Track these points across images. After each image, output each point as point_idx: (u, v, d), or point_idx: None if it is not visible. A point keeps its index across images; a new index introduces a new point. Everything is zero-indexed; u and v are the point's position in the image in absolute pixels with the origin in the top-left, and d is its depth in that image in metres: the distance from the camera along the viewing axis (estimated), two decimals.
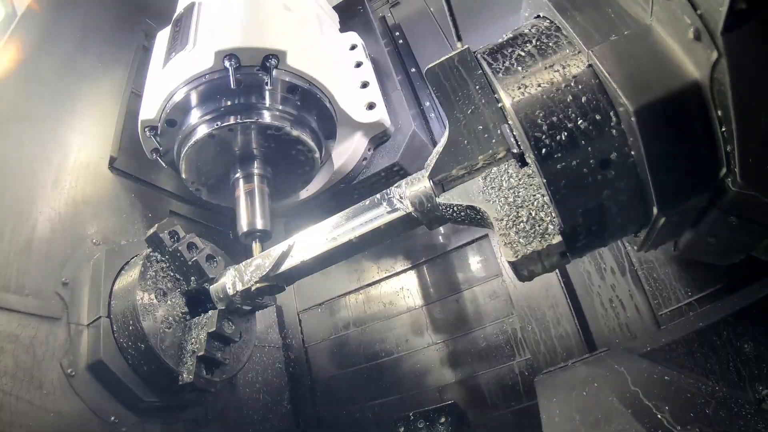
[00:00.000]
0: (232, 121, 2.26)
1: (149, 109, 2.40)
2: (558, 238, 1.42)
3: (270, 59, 2.24)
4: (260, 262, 2.08)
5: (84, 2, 2.92)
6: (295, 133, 2.36)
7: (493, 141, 1.56)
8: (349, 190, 2.90)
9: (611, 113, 1.30)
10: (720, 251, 1.52)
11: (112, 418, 1.99)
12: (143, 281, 2.12)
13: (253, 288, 2.06)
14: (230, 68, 2.18)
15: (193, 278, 2.21)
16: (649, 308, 2.33)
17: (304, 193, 2.87)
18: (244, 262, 2.20)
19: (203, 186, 2.58)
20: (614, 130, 1.31)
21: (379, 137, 2.80)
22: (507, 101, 1.41)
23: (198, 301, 2.25)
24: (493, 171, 1.58)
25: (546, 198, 1.45)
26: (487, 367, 2.78)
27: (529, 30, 1.53)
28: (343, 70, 2.87)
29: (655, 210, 1.37)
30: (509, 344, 2.75)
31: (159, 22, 3.45)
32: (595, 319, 2.46)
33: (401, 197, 1.79)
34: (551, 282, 2.60)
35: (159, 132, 2.41)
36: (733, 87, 1.07)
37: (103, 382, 2.01)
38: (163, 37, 2.74)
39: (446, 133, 1.64)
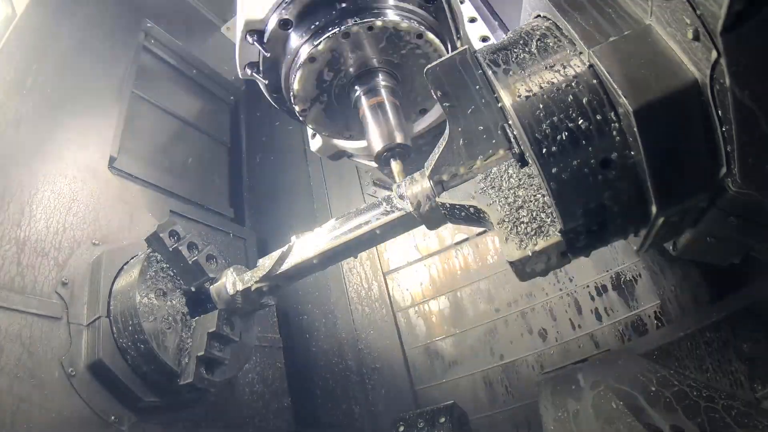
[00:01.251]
0: (367, 18, 1.95)
1: (256, 6, 2.04)
2: (558, 238, 1.42)
3: None
4: (261, 262, 2.08)
5: (84, 2, 2.92)
6: (438, 45, 2.07)
7: (493, 141, 1.56)
8: None
9: (611, 113, 1.30)
10: (719, 251, 1.51)
11: (112, 417, 2.00)
12: (143, 281, 2.12)
13: (253, 288, 2.05)
14: None
15: (193, 278, 2.21)
16: (649, 309, 2.33)
17: (420, 125, 2.54)
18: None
19: (315, 103, 2.21)
20: (614, 130, 1.31)
21: None
22: (507, 101, 1.41)
23: (198, 301, 2.25)
24: (493, 171, 1.58)
25: (546, 198, 1.45)
26: None
27: (530, 30, 1.53)
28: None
29: (654, 210, 1.37)
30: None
31: (159, 22, 3.46)
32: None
33: (401, 197, 1.78)
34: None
35: (267, 37, 2.06)
36: (733, 87, 1.07)
37: (102, 381, 2.02)
38: None
39: (446, 133, 1.64)
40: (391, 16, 1.99)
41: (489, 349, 2.86)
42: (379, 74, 2.11)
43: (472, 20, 2.61)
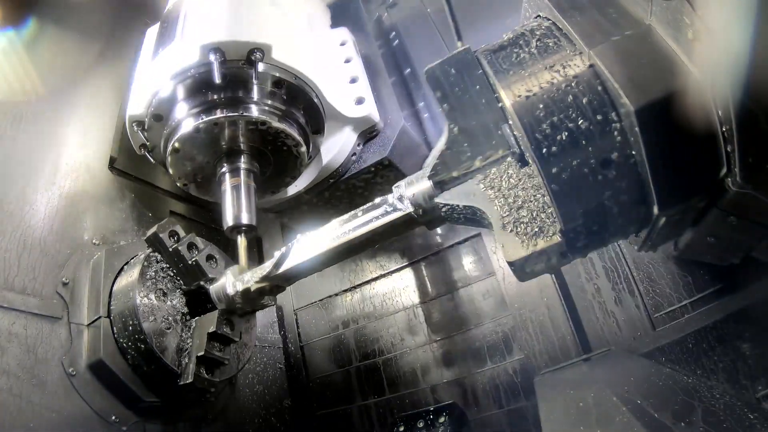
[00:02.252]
0: (218, 115, 2.23)
1: (137, 105, 2.37)
2: (558, 239, 1.42)
3: (255, 53, 2.23)
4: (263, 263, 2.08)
5: (84, 2, 2.91)
6: (281, 126, 2.33)
7: (493, 141, 1.56)
8: (339, 186, 2.87)
9: (612, 113, 1.30)
10: (720, 251, 1.52)
11: (113, 417, 2.00)
12: (143, 281, 2.13)
13: (252, 288, 2.06)
14: (215, 62, 2.16)
15: (193, 279, 2.21)
16: (648, 309, 2.33)
17: (293, 189, 2.84)
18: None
19: (191, 182, 2.54)
20: (615, 130, 1.31)
21: (368, 132, 2.77)
22: (507, 101, 1.41)
23: (198, 302, 2.25)
24: (493, 171, 1.58)
25: (546, 198, 1.45)
26: (483, 366, 2.78)
27: (530, 30, 1.53)
28: (332, 66, 2.85)
29: (655, 210, 1.37)
30: (503, 344, 2.76)
31: (158, 22, 3.46)
32: (590, 320, 2.46)
33: (401, 197, 1.78)
34: (546, 282, 2.60)
35: (146, 127, 2.38)
36: (733, 87, 1.08)
37: (103, 381, 2.02)
38: (152, 33, 2.73)
39: (446, 133, 1.63)
40: (237, 109, 2.25)
41: (490, 348, 2.86)
42: (240, 156, 2.39)
43: (348, 60, 2.92)
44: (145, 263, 2.19)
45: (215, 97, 2.25)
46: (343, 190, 2.89)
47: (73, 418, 1.89)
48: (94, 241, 2.34)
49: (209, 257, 2.23)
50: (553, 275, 2.57)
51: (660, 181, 1.29)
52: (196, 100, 2.26)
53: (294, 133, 2.38)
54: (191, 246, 2.24)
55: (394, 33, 3.82)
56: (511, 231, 1.48)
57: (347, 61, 2.92)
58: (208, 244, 2.30)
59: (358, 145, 2.77)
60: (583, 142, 1.33)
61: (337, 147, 2.71)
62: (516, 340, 2.72)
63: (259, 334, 2.83)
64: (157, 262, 2.24)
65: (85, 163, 2.52)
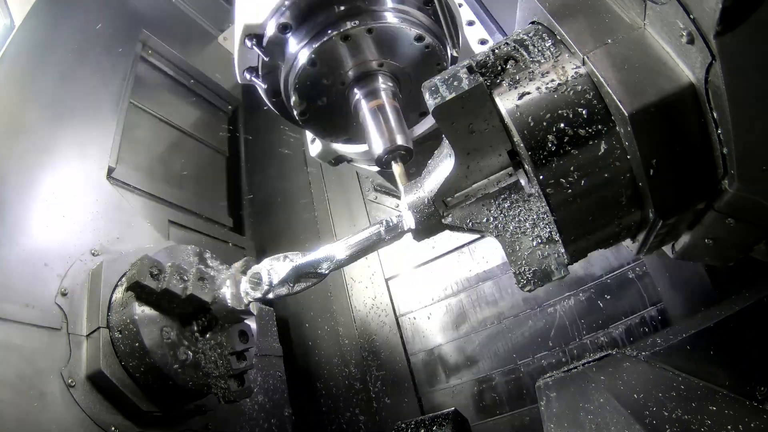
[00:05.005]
0: (370, 23, 1.94)
1: (254, 11, 2.02)
2: (558, 245, 1.43)
3: None
4: (258, 267, 2.06)
5: (82, 13, 2.93)
6: (436, 46, 2.06)
7: (495, 152, 1.55)
8: None
9: (607, 118, 1.31)
10: (718, 253, 1.52)
11: (113, 428, 1.99)
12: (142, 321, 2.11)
13: (261, 299, 2.03)
14: None
15: (191, 306, 2.17)
16: (650, 311, 2.33)
17: (420, 128, 2.51)
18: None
19: (312, 110, 2.20)
20: (610, 135, 1.31)
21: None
22: (503, 108, 1.42)
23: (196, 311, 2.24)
24: (492, 179, 1.58)
25: (545, 205, 1.45)
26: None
27: (524, 36, 1.54)
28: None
29: (652, 214, 1.37)
30: None
31: (156, 32, 3.48)
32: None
33: (404, 214, 1.78)
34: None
35: (266, 41, 2.04)
36: (729, 89, 1.08)
37: (103, 392, 2.01)
38: None
39: (451, 152, 1.61)
40: (390, 18, 1.98)
41: (492, 354, 2.85)
42: (379, 77, 2.10)
43: (470, 23, 2.62)
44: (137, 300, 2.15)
45: (363, 2, 1.98)
46: None
47: (73, 429, 1.88)
48: (92, 251, 2.34)
49: (201, 279, 2.14)
50: None
51: (656, 185, 1.29)
52: (339, 5, 1.96)
53: (444, 54, 2.12)
54: (179, 274, 2.12)
55: None
56: (513, 239, 1.50)
57: (459, 5, 2.58)
58: (195, 262, 2.27)
59: None
60: (579, 147, 1.33)
61: None
62: None
63: (259, 344, 2.83)
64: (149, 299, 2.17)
65: (83, 173, 2.52)
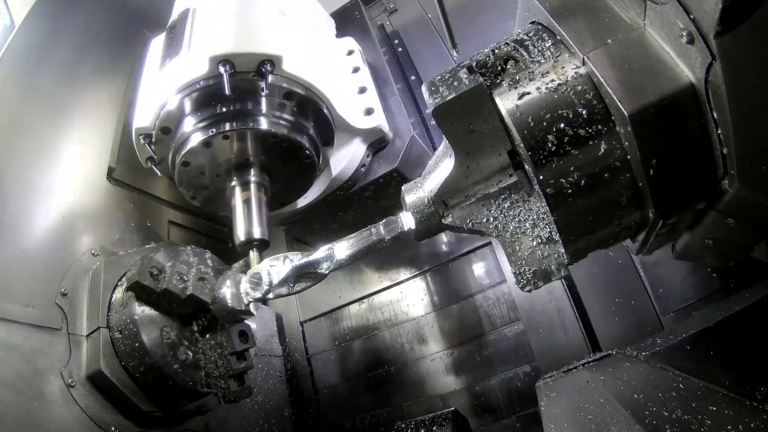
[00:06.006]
0: (227, 127, 2.21)
1: (143, 117, 2.35)
2: (558, 245, 1.43)
3: (265, 64, 2.20)
4: (259, 267, 2.06)
5: (82, 12, 2.93)
6: (292, 139, 2.31)
7: (494, 152, 1.55)
8: (348, 198, 2.85)
9: (607, 118, 1.31)
10: (718, 253, 1.52)
11: (113, 428, 1.99)
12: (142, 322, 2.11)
13: (263, 297, 2.04)
14: (225, 74, 2.12)
15: (191, 306, 2.18)
16: (650, 311, 2.33)
17: (302, 201, 2.81)
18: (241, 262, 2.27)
19: (199, 195, 2.52)
20: (611, 135, 1.31)
21: (377, 143, 2.75)
22: (503, 108, 1.42)
23: (196, 310, 2.24)
24: (493, 181, 1.58)
25: (545, 205, 1.45)
26: (493, 374, 2.77)
27: (525, 36, 1.54)
28: (340, 76, 2.83)
29: (652, 214, 1.37)
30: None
31: (157, 32, 3.47)
32: (599, 322, 2.46)
33: (407, 213, 1.78)
34: (555, 285, 2.59)
35: (154, 140, 2.35)
36: (729, 89, 1.08)
37: (103, 392, 2.01)
38: (157, 44, 2.70)
39: (451, 153, 1.62)
40: (245, 122, 2.24)
41: (487, 353, 2.85)
42: (251, 169, 2.38)
43: (356, 70, 2.90)
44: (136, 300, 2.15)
45: (224, 109, 2.23)
46: (352, 202, 2.87)
47: (73, 429, 1.88)
48: (92, 251, 2.33)
49: (201, 279, 2.17)
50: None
51: (656, 185, 1.29)
52: (204, 113, 2.24)
53: (305, 144, 2.36)
54: (179, 274, 2.14)
55: (396, 40, 3.80)
56: (513, 240, 1.50)
57: (355, 70, 2.90)
58: (194, 262, 2.27)
59: (368, 156, 2.75)
60: (579, 147, 1.34)
61: (346, 159, 2.69)
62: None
63: (260, 344, 2.82)
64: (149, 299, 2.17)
65: (83, 173, 2.52)
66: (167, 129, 2.31)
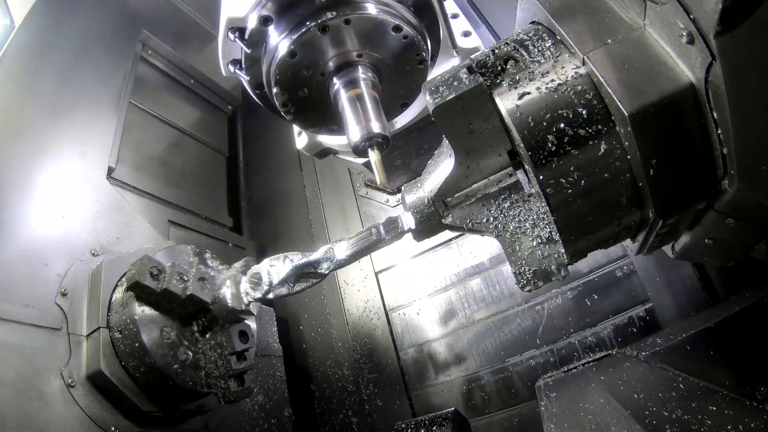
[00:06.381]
0: (349, 13, 1.95)
1: (236, 5, 2.05)
2: (558, 245, 1.43)
3: None
4: (258, 267, 2.07)
5: (82, 13, 2.93)
6: (414, 36, 2.07)
7: (495, 152, 1.55)
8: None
9: (607, 118, 1.31)
10: (718, 253, 1.52)
11: (113, 428, 1.99)
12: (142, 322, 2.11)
13: (261, 299, 2.04)
14: None
15: (192, 306, 2.17)
16: (649, 311, 2.33)
17: (401, 120, 2.55)
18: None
19: (294, 100, 2.22)
20: (611, 135, 1.31)
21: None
22: (503, 108, 1.42)
23: (196, 310, 2.24)
24: (493, 179, 1.59)
25: (545, 205, 1.45)
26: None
27: (525, 36, 1.54)
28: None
29: (652, 214, 1.37)
30: None
31: (156, 32, 3.48)
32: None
33: (400, 225, 1.79)
34: None
35: (248, 34, 2.07)
36: (729, 89, 1.08)
37: (102, 392, 2.01)
38: None
39: (451, 152, 1.62)
40: (368, 9, 1.98)
41: (484, 351, 2.85)
42: (358, 67, 2.11)
43: (455, 16, 2.62)
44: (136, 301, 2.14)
45: None
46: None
47: (73, 429, 1.88)
48: (92, 251, 2.33)
49: (201, 279, 2.15)
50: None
51: (656, 185, 1.29)
52: (311, 1, 1.96)
53: (423, 45, 2.13)
54: (179, 275, 2.13)
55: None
56: (515, 242, 1.50)
57: (454, 17, 2.61)
58: (195, 262, 2.26)
59: None
60: (579, 147, 1.33)
61: None
62: None
63: (259, 344, 2.82)
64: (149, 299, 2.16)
65: (83, 173, 2.52)
66: (268, 18, 2.03)
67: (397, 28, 2.04)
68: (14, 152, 2.25)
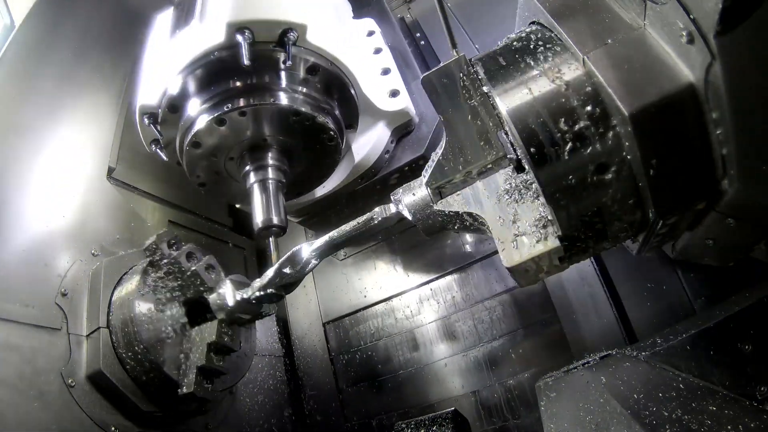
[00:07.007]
0: (244, 103, 2.00)
1: (149, 95, 2.16)
2: (556, 244, 1.42)
3: (288, 33, 1.99)
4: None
5: (82, 13, 2.93)
6: (316, 117, 2.10)
7: (491, 148, 1.56)
8: (369, 188, 2.64)
9: (607, 118, 1.31)
10: (718, 253, 1.52)
11: (113, 428, 1.99)
12: (142, 291, 2.12)
13: (252, 297, 2.06)
14: (243, 42, 1.91)
15: (192, 288, 2.19)
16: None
17: (321, 190, 2.62)
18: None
19: (209, 181, 2.34)
20: (610, 135, 1.31)
21: (402, 128, 2.55)
22: (503, 108, 1.42)
23: (198, 311, 2.24)
24: (490, 178, 1.59)
25: (543, 203, 1.45)
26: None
27: (525, 36, 1.54)
28: (363, 56, 2.64)
29: (652, 214, 1.37)
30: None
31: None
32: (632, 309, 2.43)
33: (398, 202, 1.79)
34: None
35: (160, 119, 2.17)
36: (729, 89, 1.08)
37: (103, 392, 2.01)
38: (163, 19, 2.50)
39: (443, 141, 1.64)
40: (267, 98, 2.05)
41: (483, 349, 2.84)
42: (266, 151, 2.20)
43: (386, 71, 2.66)
44: (144, 273, 2.17)
45: (241, 83, 2.04)
46: (373, 192, 2.66)
47: (73, 429, 1.88)
48: (92, 251, 2.33)
49: (209, 267, 2.17)
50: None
51: (656, 185, 1.29)
52: (218, 88, 2.04)
53: (329, 124, 2.16)
54: (190, 255, 2.18)
55: (418, 33, 3.59)
56: (509, 237, 1.49)
57: (377, 51, 2.70)
58: (207, 254, 2.28)
59: (392, 142, 2.56)
60: (579, 147, 1.34)
61: (369, 144, 2.49)
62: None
63: (259, 344, 2.82)
64: (156, 272, 2.22)
65: (83, 173, 2.52)
66: (175, 107, 2.13)
67: (296, 113, 2.08)
68: (14, 152, 2.25)
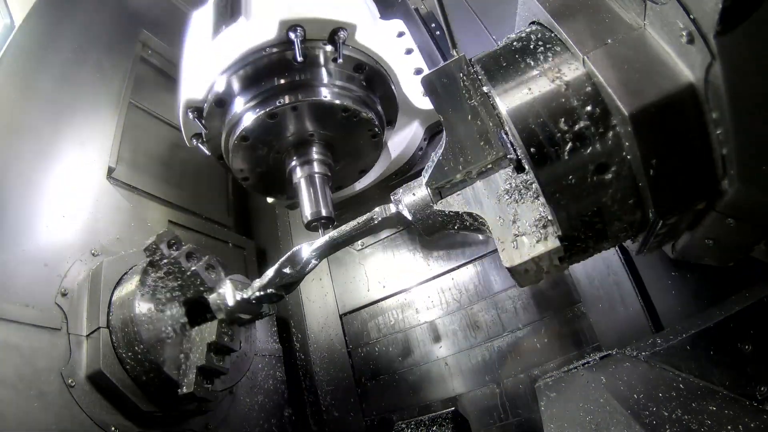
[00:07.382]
0: (294, 99, 2.08)
1: (194, 89, 2.22)
2: (556, 244, 1.42)
3: (339, 32, 2.07)
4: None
5: (82, 13, 2.93)
6: (362, 113, 2.19)
7: (491, 148, 1.56)
8: (403, 184, 2.69)
9: (607, 118, 1.31)
10: (718, 253, 1.52)
11: (113, 428, 1.99)
12: (142, 291, 2.12)
13: (252, 297, 2.06)
14: (296, 39, 1.98)
15: (192, 288, 2.19)
16: (650, 310, 2.32)
17: (359, 184, 2.70)
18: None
19: (253, 174, 2.39)
20: (610, 135, 1.31)
21: (435, 126, 2.66)
22: (503, 108, 1.42)
23: (198, 311, 2.24)
24: (490, 178, 1.59)
25: (543, 203, 1.45)
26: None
27: (525, 36, 1.54)
28: (397, 56, 2.68)
29: (652, 214, 1.37)
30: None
31: (156, 32, 3.47)
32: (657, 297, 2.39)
33: (398, 207, 1.79)
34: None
35: (205, 114, 2.22)
36: (729, 89, 1.08)
37: (103, 392, 2.01)
38: (200, 16, 2.54)
39: (443, 140, 1.64)
40: (316, 94, 2.11)
41: (484, 347, 2.83)
42: (312, 146, 2.28)
43: (409, 51, 2.79)
44: (144, 273, 2.17)
45: (290, 79, 2.11)
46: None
47: (73, 429, 1.88)
48: (92, 251, 2.33)
49: (209, 267, 2.17)
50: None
51: (656, 185, 1.29)
52: (268, 83, 2.11)
53: (374, 120, 2.25)
54: (190, 255, 2.18)
55: (433, 23, 3.57)
56: (509, 237, 1.49)
57: (408, 52, 2.80)
58: (207, 254, 2.28)
59: (425, 139, 2.66)
60: (579, 147, 1.34)
61: (405, 141, 2.60)
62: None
63: (259, 344, 2.82)
64: (156, 272, 2.22)
65: (83, 173, 2.52)
66: (222, 101, 2.18)
67: (345, 109, 2.16)
68: (14, 152, 2.25)
